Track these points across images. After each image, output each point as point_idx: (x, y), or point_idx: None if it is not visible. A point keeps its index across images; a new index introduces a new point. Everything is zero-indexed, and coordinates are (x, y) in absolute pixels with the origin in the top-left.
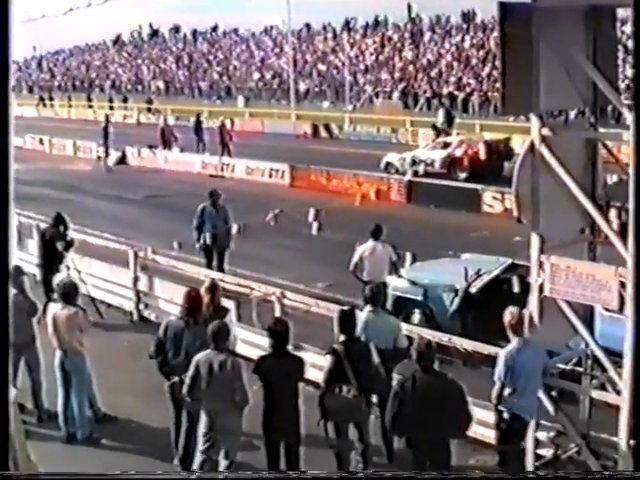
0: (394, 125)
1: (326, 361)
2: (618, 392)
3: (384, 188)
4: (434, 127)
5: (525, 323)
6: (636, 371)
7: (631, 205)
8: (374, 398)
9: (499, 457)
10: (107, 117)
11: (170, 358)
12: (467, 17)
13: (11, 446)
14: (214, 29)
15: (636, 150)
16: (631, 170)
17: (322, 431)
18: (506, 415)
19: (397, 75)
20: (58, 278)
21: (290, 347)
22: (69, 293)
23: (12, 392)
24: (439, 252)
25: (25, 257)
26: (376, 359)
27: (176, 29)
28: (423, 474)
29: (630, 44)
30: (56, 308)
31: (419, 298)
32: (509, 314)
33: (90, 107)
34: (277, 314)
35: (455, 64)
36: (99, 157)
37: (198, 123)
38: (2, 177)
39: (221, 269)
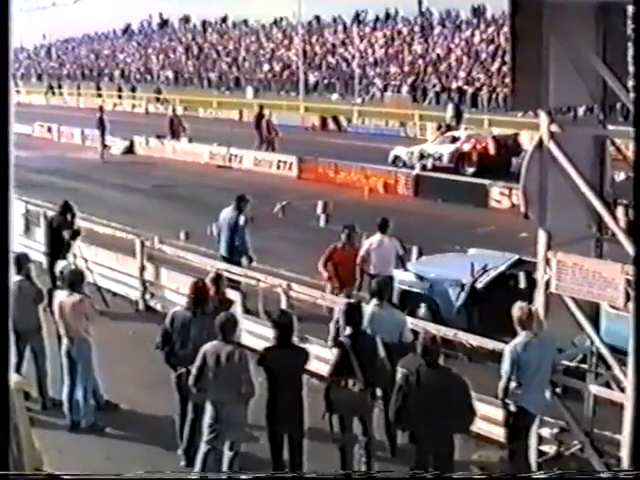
0: (403, 119)
1: (332, 354)
2: (622, 390)
3: (391, 181)
4: (440, 127)
5: (534, 318)
6: None
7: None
8: (378, 392)
9: (507, 452)
10: (101, 107)
11: (177, 349)
12: (477, 12)
13: (15, 434)
14: (224, 20)
15: (638, 147)
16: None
17: (326, 424)
18: (513, 408)
19: (406, 69)
20: (63, 265)
21: (295, 339)
22: (75, 281)
23: (12, 389)
24: (446, 246)
25: (32, 245)
26: (382, 353)
27: (186, 19)
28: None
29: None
30: (62, 296)
31: (425, 292)
32: (518, 309)
33: (99, 96)
34: (283, 306)
35: (465, 59)
36: (104, 145)
37: (260, 117)
38: (2, 163)
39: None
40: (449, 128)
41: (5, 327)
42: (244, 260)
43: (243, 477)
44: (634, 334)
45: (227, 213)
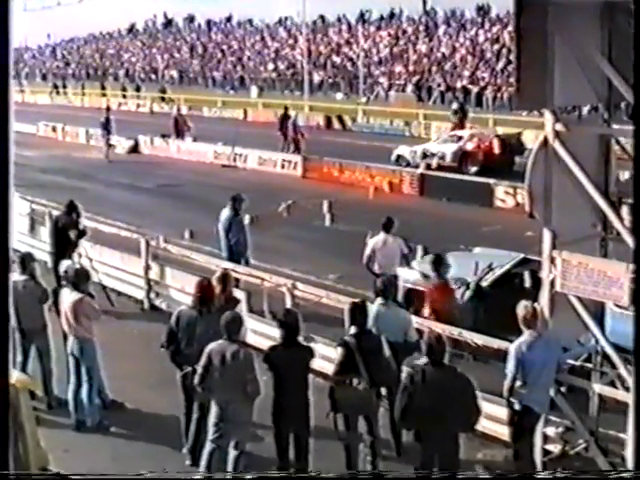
0: (407, 118)
1: (337, 353)
2: (627, 389)
3: (396, 181)
4: (455, 112)
5: (539, 317)
6: None
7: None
8: (383, 391)
9: (512, 451)
10: (108, 107)
11: (183, 348)
12: (482, 11)
13: (21, 434)
14: (228, 19)
15: (638, 145)
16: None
17: (331, 423)
18: (517, 407)
19: (411, 68)
20: (67, 265)
21: (300, 338)
22: (80, 280)
23: (18, 388)
24: (451, 245)
25: (37, 244)
26: (387, 352)
27: (190, 19)
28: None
29: None
30: (66, 295)
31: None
32: (523, 307)
33: (104, 95)
34: (288, 305)
35: (469, 58)
36: (110, 145)
37: (285, 118)
38: (2, 161)
39: None
40: (462, 118)
41: (5, 327)
42: (242, 261)
43: (248, 477)
44: (635, 332)
45: (224, 214)
